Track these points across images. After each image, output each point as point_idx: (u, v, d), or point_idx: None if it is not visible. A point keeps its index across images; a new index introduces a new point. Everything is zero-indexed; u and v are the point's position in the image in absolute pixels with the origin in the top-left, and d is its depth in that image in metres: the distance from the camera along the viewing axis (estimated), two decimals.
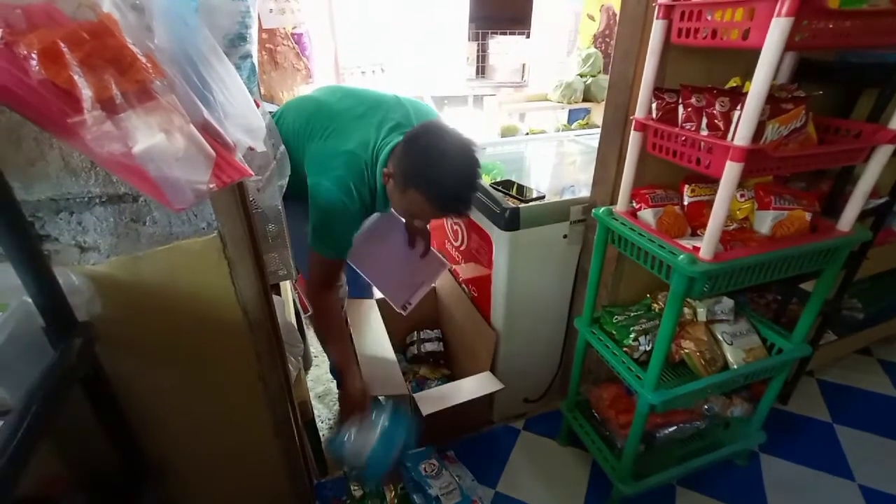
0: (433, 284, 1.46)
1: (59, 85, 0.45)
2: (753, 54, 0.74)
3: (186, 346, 0.86)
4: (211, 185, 0.59)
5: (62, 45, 0.44)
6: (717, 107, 0.85)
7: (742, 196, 1.09)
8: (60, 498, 0.65)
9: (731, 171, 0.80)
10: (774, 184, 1.08)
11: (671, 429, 1.33)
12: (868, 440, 1.52)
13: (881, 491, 1.35)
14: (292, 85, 1.89)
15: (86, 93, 0.47)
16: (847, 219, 0.98)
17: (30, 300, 0.59)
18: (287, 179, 1.00)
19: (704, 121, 0.89)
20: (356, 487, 1.26)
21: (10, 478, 0.44)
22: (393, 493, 1.28)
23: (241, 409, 0.98)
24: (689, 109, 0.92)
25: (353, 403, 1.15)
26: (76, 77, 0.45)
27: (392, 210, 1.29)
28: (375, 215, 1.40)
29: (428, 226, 1.44)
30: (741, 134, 0.77)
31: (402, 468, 1.32)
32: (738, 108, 0.80)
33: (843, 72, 1.12)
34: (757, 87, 0.72)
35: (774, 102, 0.81)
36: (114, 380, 0.73)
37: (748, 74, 1.03)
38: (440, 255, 1.50)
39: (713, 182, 1.12)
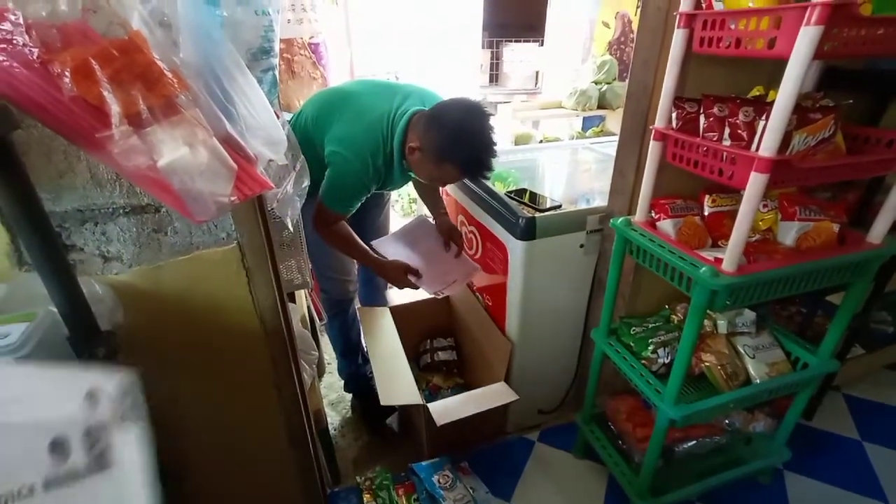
0: (465, 283, 1.57)
1: (90, 101, 0.46)
2: (777, 63, 0.72)
3: (204, 355, 0.87)
4: (233, 198, 0.59)
5: (93, 62, 0.45)
6: (741, 116, 0.83)
7: (765, 206, 1.06)
8: None
9: (755, 183, 0.78)
10: (799, 194, 1.05)
11: (690, 443, 1.30)
12: None
13: None
14: (308, 93, 1.92)
15: (114, 108, 0.48)
16: (878, 230, 0.95)
17: (55, 310, 0.60)
18: (306, 189, 1.00)
19: (727, 131, 0.87)
20: (369, 498, 1.26)
21: None
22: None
23: (256, 417, 0.99)
24: (711, 119, 0.91)
25: (384, 268, 1.38)
26: (105, 93, 0.46)
27: (422, 216, 1.55)
28: (413, 223, 1.57)
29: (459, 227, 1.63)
30: (767, 144, 0.75)
31: (415, 478, 1.31)
32: (763, 117, 0.79)
33: (873, 79, 1.09)
34: (784, 98, 0.71)
35: (801, 112, 0.79)
36: None
37: (771, 83, 1.02)
38: (471, 260, 1.57)
39: (734, 192, 1.10)
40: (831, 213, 0.98)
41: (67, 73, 0.44)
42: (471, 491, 1.26)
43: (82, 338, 0.62)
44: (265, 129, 0.63)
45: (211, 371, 0.89)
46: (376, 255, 1.39)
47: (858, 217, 1.12)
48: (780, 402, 1.35)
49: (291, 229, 0.92)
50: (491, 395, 1.38)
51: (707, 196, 1.10)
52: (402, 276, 1.38)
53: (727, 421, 1.32)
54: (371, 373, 1.42)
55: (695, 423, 1.25)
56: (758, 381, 1.13)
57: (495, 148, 1.16)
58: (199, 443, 0.95)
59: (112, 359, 0.65)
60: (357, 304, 1.66)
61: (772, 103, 0.74)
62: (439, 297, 1.49)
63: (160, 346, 0.82)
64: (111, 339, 0.66)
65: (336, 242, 1.33)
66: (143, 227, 0.74)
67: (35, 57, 0.45)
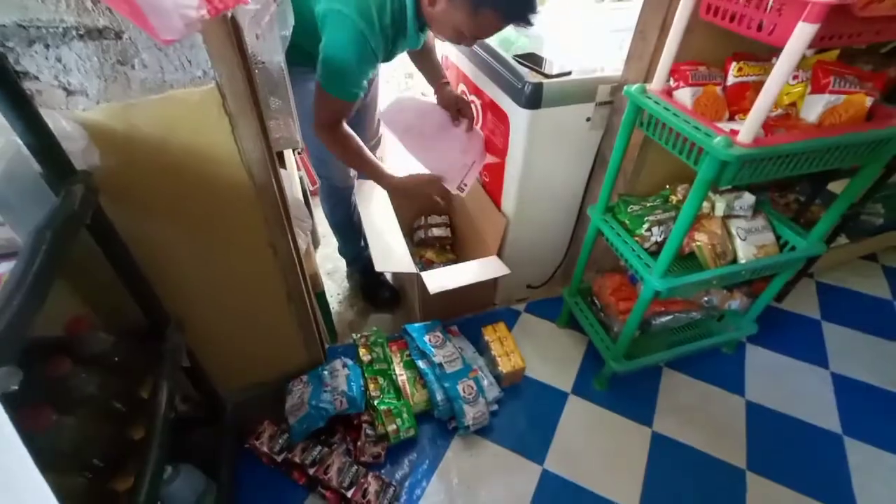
0: (483, 164, 1.42)
1: None
2: None
3: (192, 206, 0.84)
4: (202, 11, 0.51)
5: None
6: None
7: (795, 78, 0.97)
8: (88, 337, 0.69)
9: (801, 35, 0.69)
10: (837, 62, 0.96)
11: (667, 317, 1.39)
12: (850, 335, 1.60)
13: (849, 377, 1.47)
14: None
15: None
16: None
17: (18, 140, 0.55)
18: (290, 31, 0.88)
19: None
20: (365, 352, 1.36)
21: (30, 310, 0.45)
22: (399, 358, 1.38)
23: (254, 274, 1.01)
24: None
25: (409, 185, 1.25)
26: None
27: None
28: (407, 102, 1.33)
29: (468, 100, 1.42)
30: None
31: (408, 337, 1.41)
32: None
33: None
34: None
35: None
36: (122, 233, 0.72)
37: None
38: (479, 131, 1.44)
39: (764, 60, 1.00)
40: (869, 84, 0.90)
41: None
42: (459, 350, 1.36)
43: (57, 174, 0.58)
44: None
45: (200, 222, 0.87)
46: (391, 174, 1.24)
47: (895, 93, 1.04)
48: (757, 284, 1.42)
49: (275, 75, 0.83)
50: (483, 268, 1.42)
51: (734, 63, 1.00)
52: (431, 185, 1.25)
53: (706, 298, 1.40)
54: None
55: (676, 297, 1.32)
56: (744, 261, 1.16)
57: None
58: (200, 293, 0.98)
59: (93, 199, 0.62)
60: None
61: None
62: (463, 194, 1.36)
63: (141, 193, 0.79)
64: (88, 179, 0.62)
65: (344, 153, 1.15)
66: (105, 57, 0.65)
67: None
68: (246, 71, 0.76)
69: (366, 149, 1.18)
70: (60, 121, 0.64)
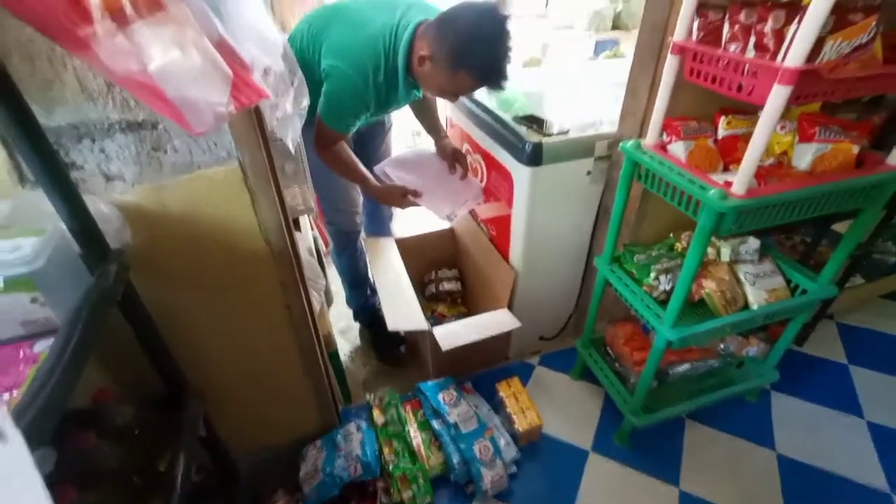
0: (477, 203, 1.54)
1: None
2: None
3: (214, 275, 0.89)
4: (230, 108, 0.57)
5: None
6: (770, 23, 0.76)
7: (783, 128, 1.02)
8: (111, 408, 0.70)
9: (777, 96, 0.74)
10: (821, 113, 1.00)
11: (684, 366, 1.36)
12: (883, 380, 1.53)
13: (888, 427, 1.39)
14: (303, 10, 1.79)
15: (94, 1, 0.44)
16: None
17: (63, 226, 0.60)
18: (306, 109, 0.96)
19: (752, 40, 0.81)
20: (378, 413, 1.34)
21: (67, 385, 0.47)
22: (413, 419, 1.36)
23: (269, 335, 1.03)
24: (736, 28, 0.84)
25: (384, 193, 1.39)
26: None
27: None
28: (413, 150, 1.54)
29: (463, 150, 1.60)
30: (795, 52, 0.70)
31: (421, 396, 1.39)
32: (796, 22, 0.72)
33: None
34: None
35: (840, 13, 0.72)
36: (148, 304, 0.76)
37: None
38: (476, 181, 1.57)
39: (751, 113, 1.06)
40: (853, 133, 0.93)
41: None
42: (474, 407, 1.34)
43: (93, 254, 0.63)
44: (257, 29, 0.59)
45: (222, 290, 0.91)
46: (375, 181, 1.38)
47: (882, 139, 1.08)
48: (774, 328, 1.39)
49: (293, 150, 0.90)
50: (495, 322, 1.42)
51: (723, 117, 1.05)
52: (401, 198, 1.39)
53: (722, 346, 1.37)
54: (380, 304, 1.46)
55: (690, 346, 1.29)
56: (755, 307, 1.16)
57: (511, 54, 1.09)
58: (217, 358, 1.00)
59: (124, 276, 0.67)
60: (363, 236, 1.67)
61: (807, 6, 0.68)
62: (452, 221, 1.49)
63: (169, 266, 0.84)
64: (122, 257, 0.67)
65: (336, 165, 1.30)
66: (141, 145, 0.73)
67: None
68: (266, 149, 0.83)
69: (358, 163, 1.33)
70: (99, 204, 0.70)
